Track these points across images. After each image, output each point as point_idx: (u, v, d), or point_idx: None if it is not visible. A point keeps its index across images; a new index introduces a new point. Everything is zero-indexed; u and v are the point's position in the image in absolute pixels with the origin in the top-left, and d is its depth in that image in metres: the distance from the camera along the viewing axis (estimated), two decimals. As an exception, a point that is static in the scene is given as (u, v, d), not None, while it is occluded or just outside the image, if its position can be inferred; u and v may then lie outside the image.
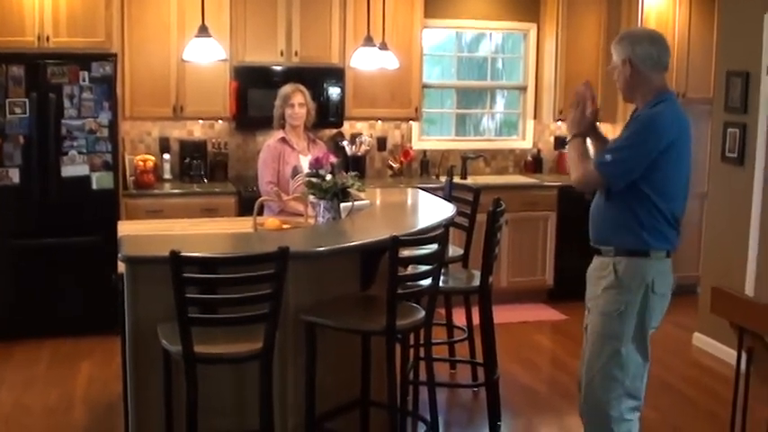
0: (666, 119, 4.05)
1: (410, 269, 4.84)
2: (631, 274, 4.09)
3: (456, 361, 6.38)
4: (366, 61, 6.53)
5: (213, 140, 7.92)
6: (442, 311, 6.16)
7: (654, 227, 4.08)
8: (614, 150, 4.08)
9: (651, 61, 4.10)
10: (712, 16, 7.98)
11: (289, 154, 6.09)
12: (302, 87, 6.18)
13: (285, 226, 5.30)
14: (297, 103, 6.10)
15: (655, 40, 4.16)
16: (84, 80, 6.77)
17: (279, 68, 7.67)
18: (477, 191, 6.10)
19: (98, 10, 6.98)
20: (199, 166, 7.76)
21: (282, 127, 6.17)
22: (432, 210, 5.65)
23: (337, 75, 7.83)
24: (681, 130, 4.10)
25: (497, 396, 5.41)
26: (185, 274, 3.72)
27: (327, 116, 7.71)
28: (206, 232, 5.42)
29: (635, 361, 4.14)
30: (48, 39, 6.84)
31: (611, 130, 8.65)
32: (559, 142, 8.88)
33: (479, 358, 5.70)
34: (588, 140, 4.31)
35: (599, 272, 4.21)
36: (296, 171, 5.97)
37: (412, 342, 5.09)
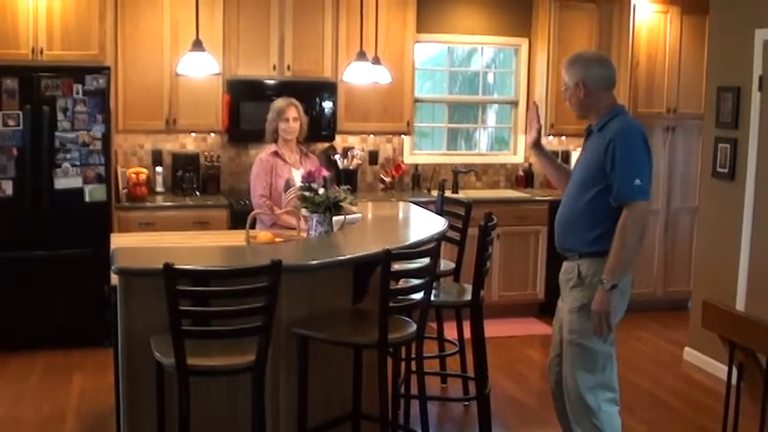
0: (636, 125, 4.39)
1: (402, 283, 4.85)
2: (593, 272, 4.33)
3: (447, 375, 6.38)
4: (359, 75, 6.56)
5: (206, 153, 7.93)
6: (434, 325, 6.17)
7: (611, 229, 4.25)
8: (631, 171, 4.22)
9: (602, 81, 4.39)
10: (703, 32, 8.02)
11: (281, 167, 6.10)
12: (295, 101, 6.19)
13: (278, 239, 5.31)
14: (291, 117, 6.11)
15: (604, 62, 4.49)
16: (77, 93, 6.78)
17: (271, 82, 7.69)
18: (468, 205, 6.12)
19: (92, 23, 6.99)
20: (191, 178, 7.77)
21: (275, 141, 6.18)
22: (423, 224, 5.67)
23: (329, 89, 7.85)
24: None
25: (488, 410, 5.41)
26: (179, 287, 3.73)
27: (319, 130, 7.72)
28: (199, 245, 5.42)
29: (603, 353, 4.38)
30: (42, 51, 6.85)
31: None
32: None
33: (471, 372, 5.71)
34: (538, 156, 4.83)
35: (566, 275, 4.50)
36: (288, 184, 5.98)
37: (403, 355, 5.11)
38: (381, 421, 4.30)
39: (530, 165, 8.98)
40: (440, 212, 6.18)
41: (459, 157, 8.96)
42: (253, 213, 5.49)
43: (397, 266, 4.42)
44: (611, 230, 4.23)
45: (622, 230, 4.20)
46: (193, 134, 7.90)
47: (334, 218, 5.13)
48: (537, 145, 4.75)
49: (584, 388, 4.36)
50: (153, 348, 3.96)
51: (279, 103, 6.15)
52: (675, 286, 8.65)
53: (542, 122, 4.99)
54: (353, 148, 8.29)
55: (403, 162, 8.61)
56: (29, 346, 6.87)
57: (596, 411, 4.35)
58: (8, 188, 6.73)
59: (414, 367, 4.94)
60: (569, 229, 4.47)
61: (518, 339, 7.66)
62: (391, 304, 4.21)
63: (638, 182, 4.20)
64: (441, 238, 5.08)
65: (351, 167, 8.17)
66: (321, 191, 5.05)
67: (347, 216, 5.27)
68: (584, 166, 4.47)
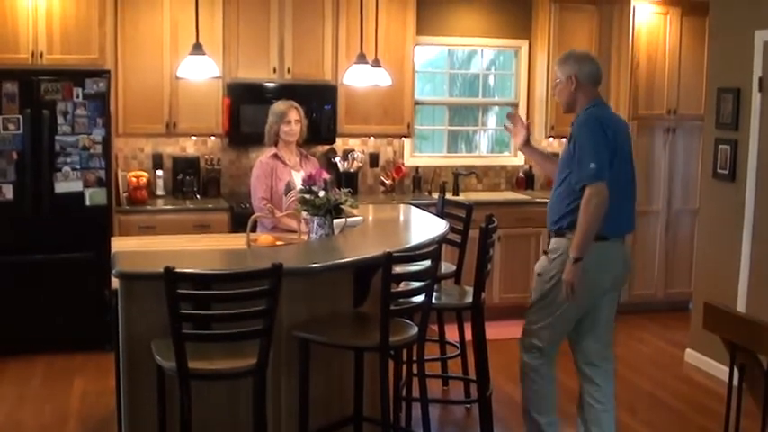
0: (596, 115, 4.76)
1: (403, 285, 4.85)
2: (554, 248, 4.87)
3: (449, 377, 6.38)
4: (359, 78, 6.57)
5: (206, 157, 7.94)
6: (435, 328, 6.17)
7: (573, 212, 4.72)
8: (586, 156, 4.65)
9: (592, 77, 4.86)
10: (703, 33, 8.01)
11: (281, 170, 6.10)
12: (296, 104, 6.19)
13: (278, 242, 5.31)
14: (293, 119, 6.11)
15: (593, 59, 4.98)
16: (77, 97, 6.78)
17: (271, 85, 7.69)
18: (469, 207, 6.11)
19: (92, 27, 7.00)
20: (192, 182, 7.77)
21: (275, 144, 6.17)
22: (424, 226, 5.67)
23: (330, 91, 7.85)
24: (613, 127, 4.79)
25: (490, 412, 5.41)
26: (179, 290, 3.73)
27: (320, 133, 7.72)
28: (200, 248, 5.42)
29: (546, 312, 4.91)
30: (41, 55, 6.85)
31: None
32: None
33: (472, 374, 5.71)
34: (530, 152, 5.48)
35: (553, 246, 4.91)
36: (289, 187, 5.98)
37: (405, 358, 5.10)
38: (383, 424, 4.29)
39: (530, 167, 8.97)
40: (440, 215, 6.18)
41: (460, 160, 8.96)
42: (253, 216, 5.49)
43: (398, 269, 4.42)
44: (573, 211, 4.71)
45: (582, 209, 4.62)
46: (194, 137, 7.90)
47: (335, 221, 5.13)
48: (527, 143, 5.31)
49: (527, 329, 5.02)
50: (154, 352, 3.96)
51: (280, 106, 6.15)
52: (676, 287, 8.65)
53: (526, 122, 5.44)
54: (354, 150, 8.29)
55: (403, 164, 8.61)
56: (30, 349, 6.87)
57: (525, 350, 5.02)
58: (8, 192, 6.73)
59: (415, 370, 4.93)
60: (550, 208, 5.00)
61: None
62: (392, 307, 4.20)
63: (592, 165, 4.60)
64: (441, 240, 5.09)
65: (351, 170, 8.16)
66: (322, 193, 5.04)
67: (348, 219, 5.26)
68: (562, 154, 4.98)
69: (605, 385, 4.97)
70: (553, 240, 4.92)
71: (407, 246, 4.90)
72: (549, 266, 4.88)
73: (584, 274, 4.67)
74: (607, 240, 4.76)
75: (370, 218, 5.98)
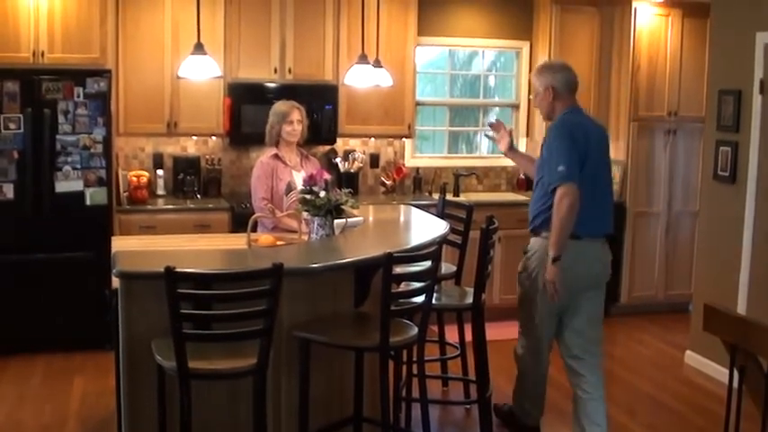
0: (566, 120, 5.05)
1: (403, 286, 4.85)
2: (530, 247, 5.20)
3: (449, 378, 6.38)
4: (360, 78, 6.56)
5: (207, 156, 7.93)
6: (435, 328, 6.17)
7: (546, 210, 5.00)
8: (554, 159, 4.91)
9: (568, 85, 5.11)
10: (704, 35, 8.00)
11: (282, 170, 6.10)
12: (298, 105, 6.19)
13: (279, 242, 5.31)
14: (295, 120, 6.11)
15: (567, 68, 5.22)
16: (78, 96, 6.78)
17: (272, 85, 7.69)
18: (469, 208, 6.12)
19: (93, 26, 7.00)
20: (192, 182, 7.77)
21: (276, 144, 6.17)
22: (425, 227, 5.67)
23: (331, 92, 7.85)
24: (584, 131, 5.02)
25: (490, 413, 5.42)
26: (180, 290, 3.73)
27: (320, 133, 7.72)
28: (200, 248, 5.42)
29: (532, 308, 5.23)
30: (42, 54, 6.85)
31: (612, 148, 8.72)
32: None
33: (472, 375, 5.71)
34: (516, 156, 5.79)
35: (530, 245, 5.22)
36: (290, 187, 5.98)
37: (405, 359, 5.10)
38: (383, 424, 4.30)
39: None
40: (441, 215, 6.18)
41: (461, 161, 8.97)
42: (254, 216, 5.49)
43: (398, 269, 4.43)
44: (546, 211, 4.99)
45: (555, 209, 4.85)
46: (194, 137, 7.90)
47: (336, 221, 5.13)
48: (511, 148, 5.61)
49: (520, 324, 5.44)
50: (154, 351, 3.96)
51: (282, 106, 6.14)
52: (676, 289, 8.65)
53: (508, 129, 5.69)
54: (354, 151, 8.29)
55: (404, 165, 8.61)
56: (30, 349, 6.87)
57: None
58: (9, 191, 6.73)
59: (415, 370, 4.94)
60: (530, 209, 5.26)
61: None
62: (393, 307, 4.21)
63: (561, 168, 4.84)
64: (442, 241, 5.09)
65: (352, 170, 8.16)
66: (322, 194, 5.05)
67: (348, 219, 5.26)
68: (538, 158, 5.25)
69: (590, 375, 5.12)
70: (531, 240, 5.23)
71: (408, 246, 4.90)
72: (525, 263, 5.24)
73: (563, 272, 4.90)
74: (581, 240, 4.97)
75: (371, 218, 5.98)
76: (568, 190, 4.80)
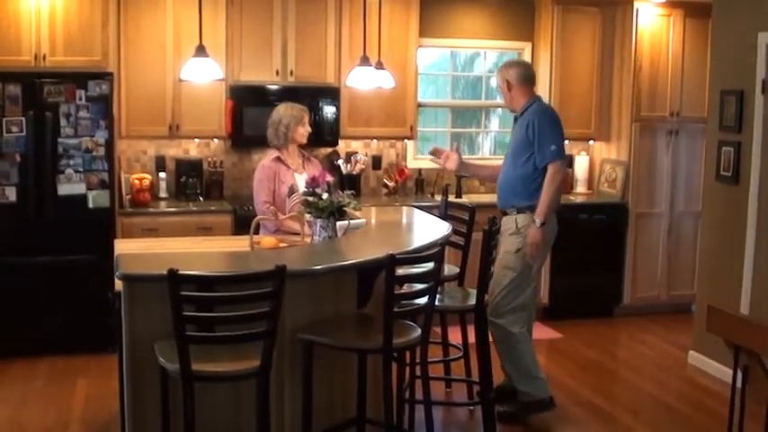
0: (546, 107, 6.01)
1: (406, 287, 4.85)
2: (525, 224, 5.69)
3: (452, 379, 6.37)
4: (362, 80, 6.56)
5: (209, 159, 7.94)
6: (438, 330, 6.17)
7: (538, 189, 5.64)
8: (547, 140, 5.63)
9: (523, 77, 5.84)
10: (706, 35, 7.99)
11: (284, 173, 6.10)
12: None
13: (281, 244, 5.32)
14: (307, 122, 6.17)
15: (521, 63, 6.30)
16: (80, 99, 6.78)
17: (274, 87, 7.69)
18: (472, 209, 6.13)
19: (94, 29, 7.00)
20: (195, 184, 7.78)
21: (282, 146, 6.17)
22: (427, 228, 5.67)
23: (333, 94, 7.85)
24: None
25: (493, 414, 5.41)
26: (183, 292, 3.73)
27: (323, 135, 7.73)
28: (203, 251, 5.43)
29: (525, 283, 5.75)
30: (44, 58, 6.86)
31: (605, 148, 8.72)
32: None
33: (475, 377, 5.71)
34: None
35: (506, 226, 5.78)
36: (292, 189, 5.98)
37: (408, 360, 5.10)
38: (386, 426, 4.30)
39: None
40: (443, 217, 6.18)
41: (463, 162, 8.95)
42: (256, 219, 5.49)
43: (401, 271, 4.43)
44: (538, 189, 5.63)
45: (548, 183, 5.60)
46: (197, 140, 7.90)
47: (338, 223, 5.13)
48: (461, 165, 6.13)
49: (507, 309, 5.71)
50: (157, 354, 3.96)
51: (292, 109, 6.13)
52: (679, 290, 8.64)
53: (454, 147, 6.40)
54: (357, 152, 8.29)
55: (406, 167, 8.61)
56: (33, 351, 6.87)
57: (512, 324, 5.72)
58: (11, 194, 6.73)
59: (418, 372, 4.93)
60: (509, 191, 5.82)
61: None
62: (396, 309, 4.21)
63: (553, 147, 5.61)
64: (444, 242, 5.08)
65: (354, 172, 8.17)
66: (325, 196, 5.04)
67: (351, 221, 5.26)
68: (515, 143, 5.85)
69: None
70: (520, 218, 5.73)
71: (410, 248, 4.90)
72: (518, 240, 5.71)
73: (543, 242, 5.70)
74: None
75: (373, 220, 5.98)
76: (559, 166, 5.63)
